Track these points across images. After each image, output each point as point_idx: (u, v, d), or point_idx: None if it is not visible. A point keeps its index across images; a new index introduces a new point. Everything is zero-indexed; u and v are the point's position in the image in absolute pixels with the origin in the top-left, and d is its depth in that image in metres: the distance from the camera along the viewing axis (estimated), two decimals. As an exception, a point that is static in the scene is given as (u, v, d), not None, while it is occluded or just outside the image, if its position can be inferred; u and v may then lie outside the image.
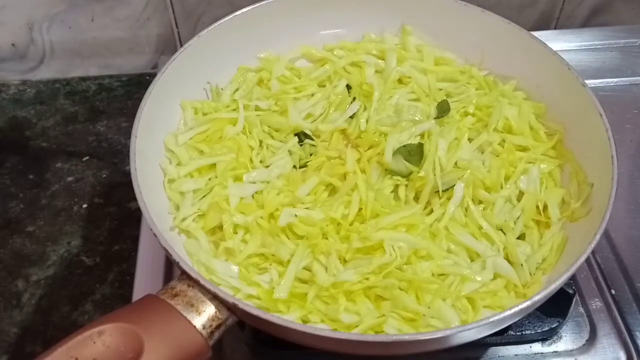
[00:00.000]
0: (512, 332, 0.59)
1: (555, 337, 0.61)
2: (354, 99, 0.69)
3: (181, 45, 0.72)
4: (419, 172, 0.61)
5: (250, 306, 0.47)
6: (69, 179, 0.82)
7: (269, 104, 0.68)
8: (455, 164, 0.62)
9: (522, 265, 0.56)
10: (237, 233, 0.59)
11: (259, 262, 0.58)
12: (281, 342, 0.51)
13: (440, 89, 0.70)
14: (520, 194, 0.61)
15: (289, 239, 0.58)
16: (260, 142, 0.65)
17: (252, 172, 0.62)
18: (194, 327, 0.47)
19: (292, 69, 0.73)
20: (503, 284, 0.56)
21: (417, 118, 0.66)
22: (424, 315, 0.52)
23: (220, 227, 0.59)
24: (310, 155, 0.66)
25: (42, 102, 0.91)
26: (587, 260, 0.65)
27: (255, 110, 0.68)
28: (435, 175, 0.60)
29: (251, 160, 0.64)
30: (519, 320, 0.59)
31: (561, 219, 0.59)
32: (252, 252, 0.57)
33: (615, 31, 0.90)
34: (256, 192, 0.62)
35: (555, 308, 0.59)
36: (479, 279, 0.55)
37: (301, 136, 0.67)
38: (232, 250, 0.57)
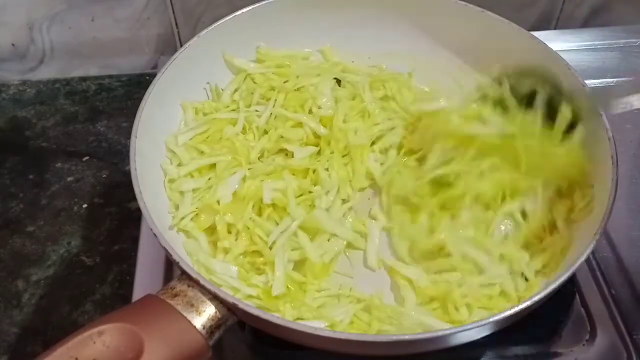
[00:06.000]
0: (512, 332, 0.59)
1: (555, 337, 0.61)
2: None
3: (181, 45, 0.72)
4: None
5: (250, 306, 0.47)
6: (69, 179, 0.81)
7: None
8: None
9: (522, 274, 0.56)
10: (231, 232, 0.59)
11: (255, 260, 0.58)
12: (281, 342, 0.51)
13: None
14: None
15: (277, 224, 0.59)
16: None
17: (240, 169, 0.62)
18: (194, 327, 0.47)
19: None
20: (501, 288, 0.56)
21: None
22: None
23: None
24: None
25: (42, 102, 0.91)
26: (587, 260, 0.65)
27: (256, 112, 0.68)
28: None
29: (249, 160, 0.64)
30: (519, 320, 0.59)
31: (565, 227, 0.59)
32: (242, 250, 0.58)
33: (615, 31, 0.90)
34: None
35: (555, 308, 0.59)
36: (478, 280, 0.56)
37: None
38: (229, 249, 0.57)
